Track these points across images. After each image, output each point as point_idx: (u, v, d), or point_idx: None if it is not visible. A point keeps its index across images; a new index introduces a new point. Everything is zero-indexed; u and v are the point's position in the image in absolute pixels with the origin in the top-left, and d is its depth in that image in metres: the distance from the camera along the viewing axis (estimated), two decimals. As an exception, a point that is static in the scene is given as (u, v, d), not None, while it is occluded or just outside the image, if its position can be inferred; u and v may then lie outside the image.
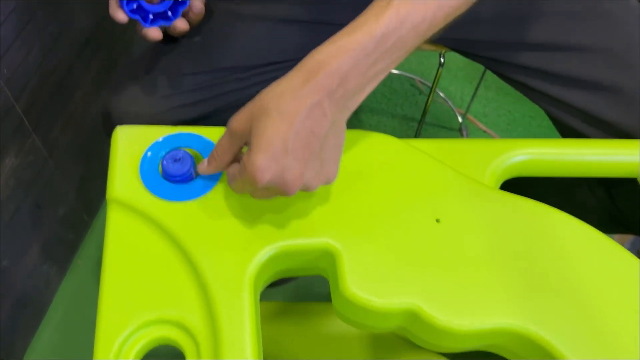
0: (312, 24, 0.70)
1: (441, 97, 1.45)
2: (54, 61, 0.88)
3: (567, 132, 0.71)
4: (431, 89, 1.05)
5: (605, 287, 0.49)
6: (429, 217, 0.51)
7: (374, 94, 1.43)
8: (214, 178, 0.52)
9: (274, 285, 0.55)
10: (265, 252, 0.49)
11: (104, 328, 0.44)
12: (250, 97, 0.71)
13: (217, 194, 0.51)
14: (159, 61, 0.66)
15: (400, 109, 1.40)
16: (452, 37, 0.77)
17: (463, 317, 0.46)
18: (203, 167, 0.51)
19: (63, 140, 0.97)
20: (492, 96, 1.47)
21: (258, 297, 0.48)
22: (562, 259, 0.50)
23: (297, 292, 1.09)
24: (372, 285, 0.47)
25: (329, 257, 0.50)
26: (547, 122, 1.40)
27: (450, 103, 1.42)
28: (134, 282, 0.47)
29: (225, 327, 0.44)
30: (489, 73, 1.34)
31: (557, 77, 0.68)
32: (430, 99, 1.09)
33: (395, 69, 1.47)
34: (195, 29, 0.66)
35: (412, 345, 0.88)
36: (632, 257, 0.50)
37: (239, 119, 0.46)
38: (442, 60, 0.97)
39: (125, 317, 0.45)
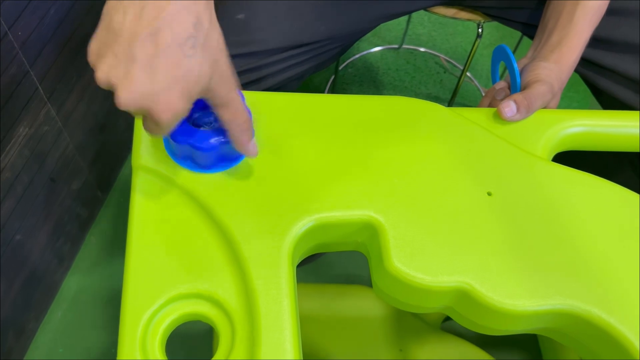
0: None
1: (467, 76, 1.41)
2: (70, 28, 0.84)
3: (604, 99, 0.69)
4: (465, 65, 1.00)
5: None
6: (480, 190, 0.47)
7: (396, 70, 1.38)
8: None
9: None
10: (302, 224, 0.45)
11: (131, 301, 0.41)
12: (295, 77, 0.66)
13: (249, 163, 0.48)
14: None
15: (425, 87, 1.36)
16: (492, 6, 0.74)
17: (518, 297, 0.43)
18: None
19: (78, 112, 0.93)
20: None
21: (295, 272, 0.45)
22: (623, 236, 0.46)
23: (315, 274, 1.06)
24: (420, 261, 0.44)
25: (370, 231, 0.46)
26: (577, 103, 1.36)
27: (476, 82, 1.37)
28: (163, 253, 0.43)
29: (263, 306, 0.40)
30: (516, 52, 1.30)
31: (599, 42, 0.64)
32: (463, 76, 1.04)
33: (420, 46, 1.42)
34: (238, 4, 0.62)
35: (435, 329, 0.85)
36: None
37: None
38: (480, 30, 0.92)
39: (154, 290, 0.41)
